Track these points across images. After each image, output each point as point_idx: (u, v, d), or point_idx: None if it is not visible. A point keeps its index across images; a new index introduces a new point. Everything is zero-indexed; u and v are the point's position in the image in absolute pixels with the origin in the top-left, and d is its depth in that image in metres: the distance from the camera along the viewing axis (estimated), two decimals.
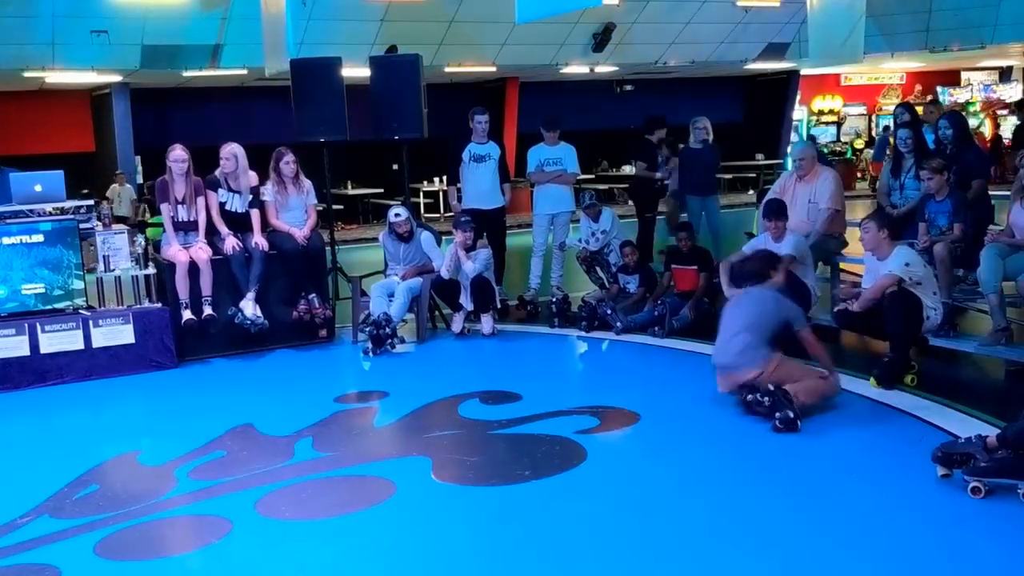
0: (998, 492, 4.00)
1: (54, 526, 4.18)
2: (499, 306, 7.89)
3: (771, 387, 5.06)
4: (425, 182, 16.32)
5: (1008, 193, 6.66)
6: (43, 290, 6.76)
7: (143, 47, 11.74)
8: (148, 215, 11.86)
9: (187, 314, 6.97)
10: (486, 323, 7.63)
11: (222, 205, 7.26)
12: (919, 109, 8.80)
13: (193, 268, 6.97)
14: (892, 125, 8.65)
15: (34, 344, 6.54)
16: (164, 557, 3.87)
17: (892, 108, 20.74)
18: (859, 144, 21.60)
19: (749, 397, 5.18)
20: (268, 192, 7.41)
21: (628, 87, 18.95)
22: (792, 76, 19.13)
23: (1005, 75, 21.98)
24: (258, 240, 7.20)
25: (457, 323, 7.72)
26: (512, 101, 16.94)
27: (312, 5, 11.66)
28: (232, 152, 7.20)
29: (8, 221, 6.83)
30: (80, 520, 4.22)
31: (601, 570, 3.59)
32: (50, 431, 5.76)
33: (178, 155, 7.04)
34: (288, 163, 7.44)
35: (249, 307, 7.07)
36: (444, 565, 3.71)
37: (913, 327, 5.77)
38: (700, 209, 9.33)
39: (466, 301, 7.60)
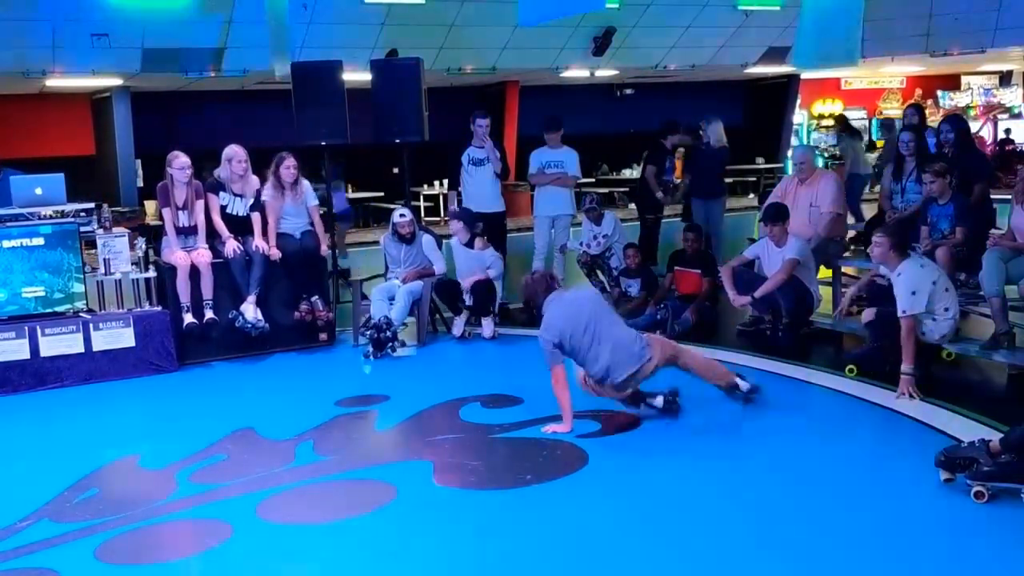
0: (1001, 496, 3.99)
1: (54, 530, 4.17)
2: (495, 311, 7.86)
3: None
4: (426, 186, 16.31)
5: (1009, 196, 6.65)
6: (43, 293, 6.75)
7: (144, 50, 11.73)
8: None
9: (188, 318, 6.97)
10: (487, 326, 7.62)
11: (223, 208, 7.26)
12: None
13: (194, 271, 6.98)
14: (900, 126, 8.65)
15: (34, 347, 6.53)
16: (164, 561, 3.86)
17: (895, 111, 20.88)
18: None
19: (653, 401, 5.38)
20: (267, 192, 7.41)
21: (628, 91, 18.92)
22: (792, 80, 19.11)
23: (1005, 79, 21.98)
24: (259, 243, 7.19)
25: (458, 326, 7.71)
26: (512, 104, 16.93)
27: (313, 9, 11.66)
28: (244, 155, 7.20)
29: (8, 224, 6.83)
30: (80, 524, 4.21)
31: (603, 575, 3.58)
32: (50, 434, 5.74)
33: (182, 162, 7.03)
34: (288, 168, 7.41)
35: (250, 310, 7.07)
36: (445, 569, 3.70)
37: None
38: (703, 212, 9.32)
39: (467, 297, 7.59)
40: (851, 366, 6.05)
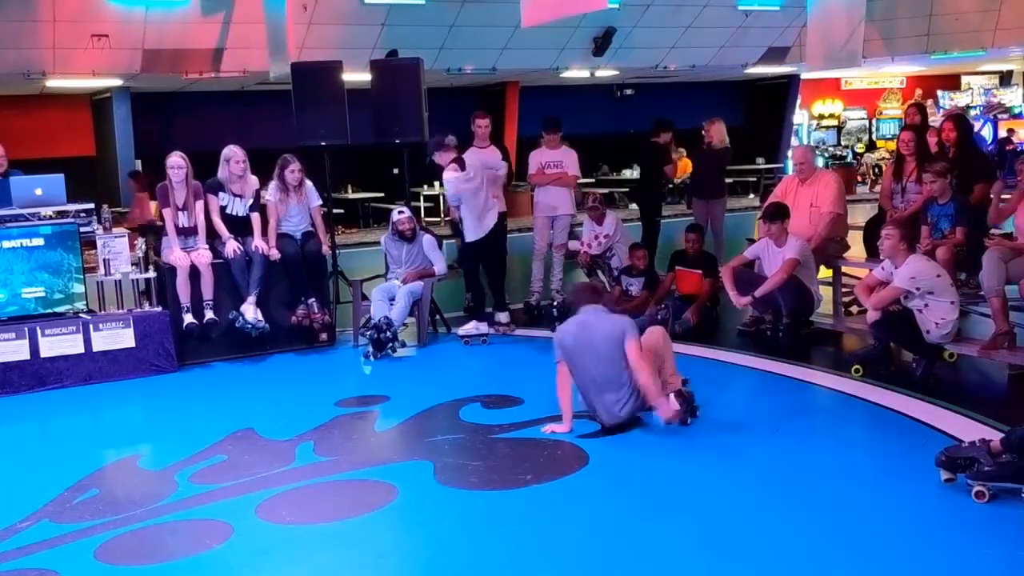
0: (1002, 496, 3.99)
1: (54, 530, 4.17)
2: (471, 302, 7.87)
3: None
4: (426, 186, 16.30)
5: (1010, 196, 6.65)
6: (43, 294, 6.75)
7: (144, 51, 11.74)
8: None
9: (188, 318, 6.96)
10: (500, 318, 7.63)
11: (223, 209, 7.25)
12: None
13: (194, 272, 6.97)
14: (903, 125, 8.64)
15: (34, 348, 6.53)
16: (165, 562, 3.85)
17: (895, 111, 20.87)
18: (860, 148, 21.61)
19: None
20: (271, 192, 7.40)
21: (628, 91, 18.93)
22: (792, 80, 19.15)
23: (1005, 79, 21.99)
24: (258, 244, 7.19)
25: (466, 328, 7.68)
26: (512, 105, 16.94)
27: (313, 9, 11.68)
28: (242, 155, 7.21)
29: (8, 225, 6.83)
30: (80, 524, 4.21)
31: (603, 575, 3.58)
32: (50, 435, 5.75)
33: (174, 162, 7.04)
34: (293, 171, 7.41)
35: (250, 311, 7.06)
36: (446, 569, 3.70)
37: (908, 342, 6.05)
38: (704, 212, 9.32)
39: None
40: (857, 366, 6.06)
